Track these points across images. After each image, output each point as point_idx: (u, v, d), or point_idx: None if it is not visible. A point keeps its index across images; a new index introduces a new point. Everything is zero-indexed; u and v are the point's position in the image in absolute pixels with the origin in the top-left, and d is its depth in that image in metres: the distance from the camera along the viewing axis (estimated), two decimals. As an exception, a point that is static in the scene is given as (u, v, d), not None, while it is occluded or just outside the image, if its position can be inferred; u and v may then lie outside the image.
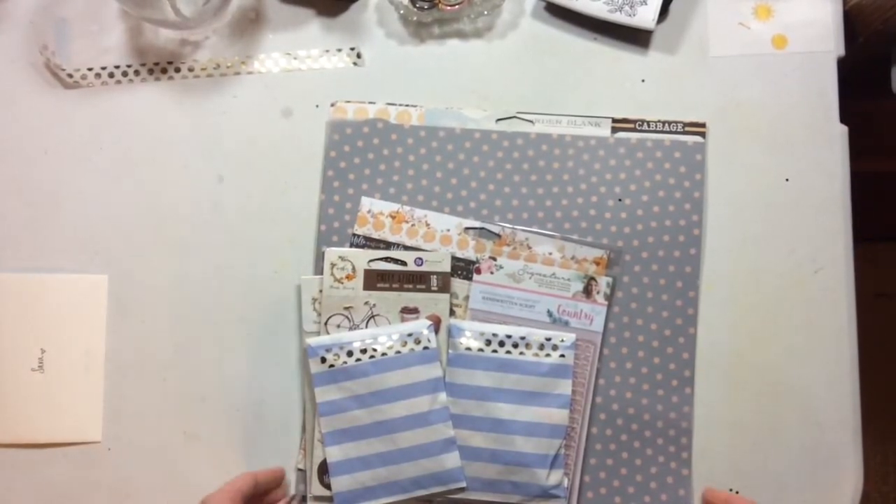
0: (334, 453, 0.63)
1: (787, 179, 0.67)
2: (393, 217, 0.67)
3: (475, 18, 0.70)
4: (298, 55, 0.71)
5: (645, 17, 0.67)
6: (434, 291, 0.65)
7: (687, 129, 0.67)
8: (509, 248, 0.66)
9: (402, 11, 0.69)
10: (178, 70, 0.71)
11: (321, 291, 0.65)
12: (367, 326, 0.65)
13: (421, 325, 0.64)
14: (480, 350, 0.63)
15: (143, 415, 0.68)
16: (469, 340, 0.64)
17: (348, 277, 0.65)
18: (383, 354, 0.63)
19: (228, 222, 0.69)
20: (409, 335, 0.64)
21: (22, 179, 0.70)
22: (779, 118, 0.68)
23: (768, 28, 0.69)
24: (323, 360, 0.63)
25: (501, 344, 0.64)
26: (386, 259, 0.65)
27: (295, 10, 0.71)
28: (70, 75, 0.71)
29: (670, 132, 0.67)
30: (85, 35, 0.71)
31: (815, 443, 0.65)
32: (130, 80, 0.71)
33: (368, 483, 0.62)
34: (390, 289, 0.65)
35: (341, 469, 0.63)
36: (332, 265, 0.65)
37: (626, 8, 0.67)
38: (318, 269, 0.67)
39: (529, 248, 0.66)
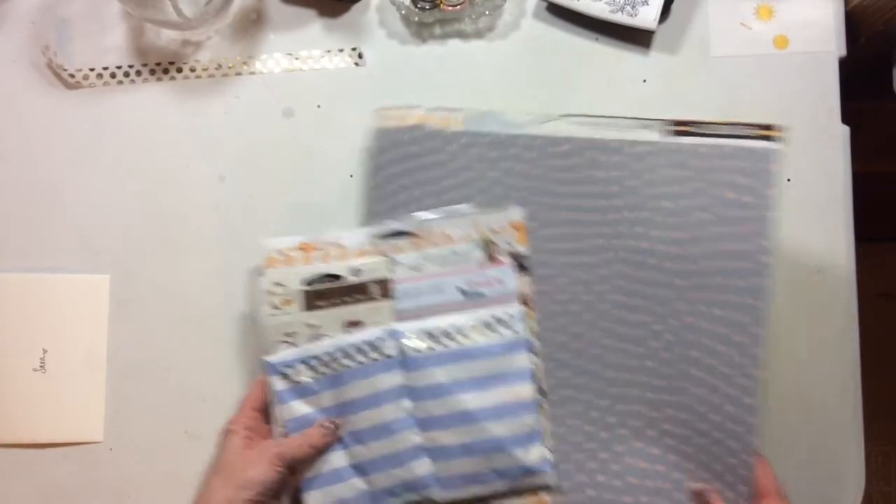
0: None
1: (788, 180, 0.67)
2: (302, 249, 0.64)
3: (476, 19, 0.70)
4: (300, 55, 0.71)
5: (646, 17, 0.67)
6: (375, 300, 0.62)
7: (758, 132, 0.58)
8: (428, 242, 0.63)
9: (403, 12, 0.69)
10: (179, 70, 0.71)
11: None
12: None
13: (382, 333, 0.61)
14: (431, 349, 0.61)
15: (144, 415, 0.68)
16: (414, 341, 0.61)
17: (286, 302, 0.62)
18: (345, 366, 0.61)
19: (230, 222, 0.69)
20: (369, 344, 0.61)
21: (24, 179, 0.70)
22: (780, 118, 0.67)
23: (770, 28, 0.69)
24: (284, 376, 0.61)
25: (448, 336, 0.61)
26: (321, 276, 0.62)
27: (296, 11, 0.71)
28: (72, 75, 0.71)
29: (736, 136, 0.59)
30: (86, 35, 0.71)
31: (817, 443, 0.65)
32: (132, 81, 0.71)
33: (345, 495, 0.60)
34: (331, 305, 0.62)
35: (315, 484, 0.61)
36: (269, 293, 0.62)
37: (628, 8, 0.67)
38: None
39: (448, 235, 0.63)
